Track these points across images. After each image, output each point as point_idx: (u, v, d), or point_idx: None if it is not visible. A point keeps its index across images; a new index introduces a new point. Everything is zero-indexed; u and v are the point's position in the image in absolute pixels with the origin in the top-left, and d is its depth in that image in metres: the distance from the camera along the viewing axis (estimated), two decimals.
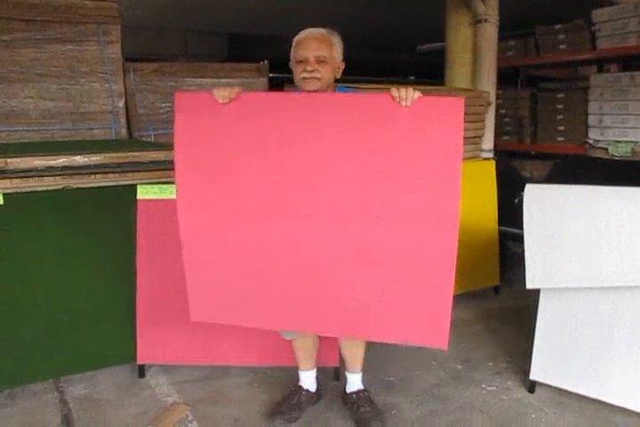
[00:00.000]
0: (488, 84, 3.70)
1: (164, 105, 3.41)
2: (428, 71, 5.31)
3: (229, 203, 1.72)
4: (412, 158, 1.61)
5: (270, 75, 3.79)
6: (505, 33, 4.15)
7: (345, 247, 1.68)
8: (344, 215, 1.66)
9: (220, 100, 1.68)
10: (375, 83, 3.45)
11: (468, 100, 3.25)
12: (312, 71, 1.79)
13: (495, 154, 3.67)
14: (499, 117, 4.26)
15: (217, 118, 1.69)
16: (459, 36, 3.86)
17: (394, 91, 1.60)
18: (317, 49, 1.79)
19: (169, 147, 2.74)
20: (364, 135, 1.63)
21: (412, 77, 6.50)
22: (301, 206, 1.68)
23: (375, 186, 1.63)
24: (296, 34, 1.87)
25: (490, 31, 3.79)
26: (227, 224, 1.74)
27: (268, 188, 1.69)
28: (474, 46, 3.82)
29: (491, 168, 3.20)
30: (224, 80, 3.51)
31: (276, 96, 1.73)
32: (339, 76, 1.88)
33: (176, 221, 2.22)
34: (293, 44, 1.84)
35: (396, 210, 1.63)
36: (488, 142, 3.61)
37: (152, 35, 5.95)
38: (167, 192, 2.31)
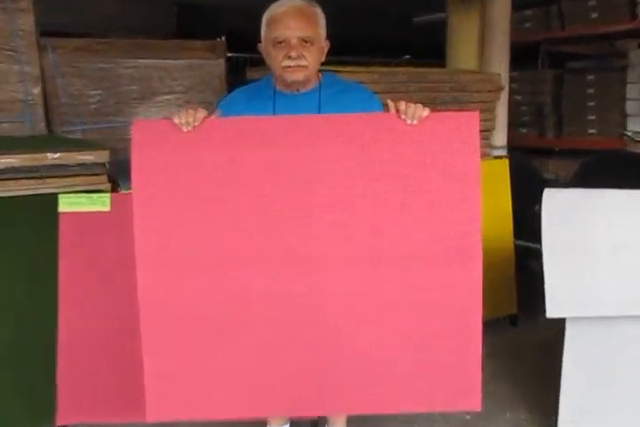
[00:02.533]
0: (500, 65, 3.76)
1: (93, 93, 3.38)
2: (426, 49, 5.37)
3: (201, 256, 1.76)
4: (425, 186, 1.72)
5: (228, 54, 3.80)
6: (521, 0, 4.22)
7: (352, 299, 1.76)
8: (350, 260, 1.74)
9: (184, 128, 1.71)
10: (362, 65, 3.49)
11: (474, 85, 3.37)
12: (297, 58, 1.81)
13: (509, 151, 3.74)
14: (514, 106, 4.31)
15: (181, 151, 1.73)
16: (463, 5, 3.92)
17: (401, 104, 1.70)
18: (301, 28, 1.80)
19: (100, 146, 2.75)
20: (368, 163, 1.72)
21: (408, 56, 6.58)
22: (295, 254, 1.75)
23: (385, 221, 1.74)
24: (262, 3, 1.88)
25: None
26: (199, 284, 1.77)
27: (250, 234, 1.74)
28: (482, 17, 3.89)
29: (504, 169, 3.25)
30: (170, 61, 3.50)
31: (251, 121, 1.75)
32: (323, 60, 1.91)
33: (110, 241, 2.25)
34: (265, 20, 1.85)
35: (411, 247, 1.74)
36: (500, 137, 3.67)
37: (79, 2, 5.91)
38: (98, 203, 2.30)
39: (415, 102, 1.71)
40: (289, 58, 1.81)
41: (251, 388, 1.80)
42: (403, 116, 1.70)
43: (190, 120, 1.70)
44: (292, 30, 1.79)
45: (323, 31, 1.87)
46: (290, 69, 1.83)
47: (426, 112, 1.70)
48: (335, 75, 2.08)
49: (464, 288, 1.75)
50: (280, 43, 1.81)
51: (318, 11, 1.87)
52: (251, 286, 1.76)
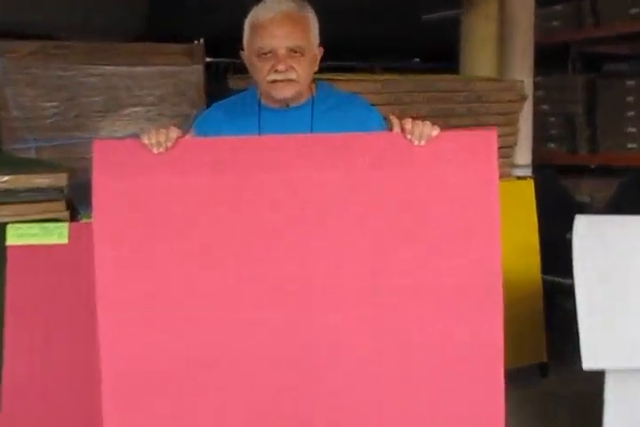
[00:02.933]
0: (522, 70, 3.81)
1: (49, 104, 3.40)
2: (437, 51, 5.43)
3: (175, 297, 1.76)
4: (435, 215, 1.75)
5: (207, 59, 3.84)
6: None
7: (353, 344, 1.76)
8: (350, 300, 1.75)
9: (155, 149, 1.72)
10: (362, 71, 3.53)
11: (492, 94, 3.40)
12: (285, 71, 1.83)
13: (535, 170, 3.78)
14: (540, 117, 4.35)
15: (151, 176, 1.75)
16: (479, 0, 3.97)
17: (407, 122, 1.72)
18: (289, 37, 1.82)
19: (57, 167, 2.75)
20: (369, 189, 1.74)
21: (417, 60, 6.67)
22: (286, 294, 1.75)
23: (389, 254, 1.75)
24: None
25: None
26: (173, 331, 1.77)
27: (232, 271, 1.75)
28: (501, 13, 3.93)
29: (528, 191, 3.27)
30: (139, 68, 3.53)
31: (233, 142, 1.77)
32: (316, 69, 1.94)
33: (67, 278, 2.25)
34: (248, 25, 1.87)
35: (419, 285, 1.75)
36: (524, 154, 3.70)
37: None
38: (54, 234, 2.32)
39: (423, 118, 1.73)
40: (276, 71, 1.83)
41: None
42: (409, 136, 1.72)
43: (162, 140, 1.71)
44: (280, 39, 1.81)
45: (315, 38, 1.90)
46: (277, 85, 1.85)
47: (435, 131, 1.72)
48: (331, 85, 2.10)
49: (482, 333, 1.75)
50: (265, 54, 1.83)
51: (310, 15, 1.89)
52: (236, 333, 1.77)
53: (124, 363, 1.77)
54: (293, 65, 1.83)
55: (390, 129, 1.77)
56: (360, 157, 1.74)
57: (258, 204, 1.75)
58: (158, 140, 1.71)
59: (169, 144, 1.72)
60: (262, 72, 1.85)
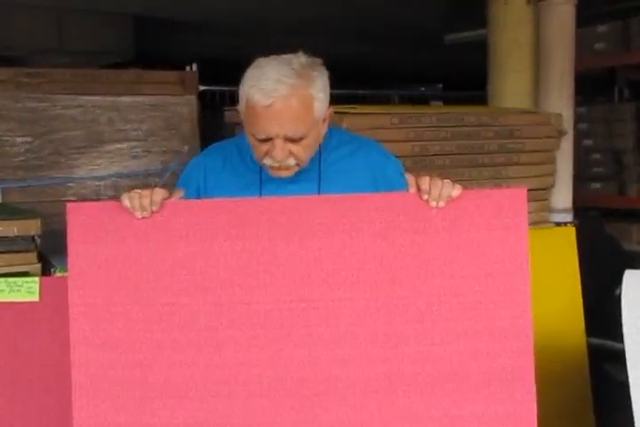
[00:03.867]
0: (560, 100, 3.82)
1: (20, 140, 3.43)
2: (464, 76, 5.47)
3: (160, 378, 1.79)
4: (456, 288, 1.76)
5: (201, 87, 3.86)
6: (589, 12, 4.26)
7: None
8: (360, 390, 1.77)
9: (138, 214, 1.77)
10: (377, 103, 3.56)
11: (526, 129, 3.43)
12: (282, 159, 1.84)
13: (577, 215, 3.77)
14: (582, 154, 4.39)
15: (135, 243, 1.79)
16: (509, 20, 4.00)
17: (424, 181, 1.74)
18: (288, 126, 1.81)
19: (28, 212, 2.75)
20: (380, 259, 1.77)
21: (440, 85, 6.75)
22: (285, 380, 1.77)
23: (405, 334, 1.77)
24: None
25: (564, 11, 3.91)
26: (156, 416, 1.79)
27: (224, 352, 1.78)
28: (536, 37, 3.97)
29: (569, 240, 3.26)
30: (124, 98, 3.57)
31: (228, 205, 1.81)
32: (325, 130, 1.95)
33: (37, 341, 2.26)
34: (243, 97, 1.85)
35: (437, 369, 1.76)
36: (563, 197, 3.69)
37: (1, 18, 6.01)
38: (22, 291, 2.33)
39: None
40: (272, 158, 1.85)
41: None
42: (425, 197, 1.75)
43: (146, 203, 1.75)
44: (277, 130, 1.80)
45: (321, 107, 1.87)
46: (273, 169, 1.89)
47: (457, 191, 1.74)
48: (342, 132, 2.14)
49: (513, 422, 1.76)
50: (260, 140, 1.84)
51: (314, 83, 1.85)
52: (227, 423, 1.78)
53: None
54: (292, 150, 1.84)
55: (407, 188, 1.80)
56: (370, 222, 1.77)
57: (254, 275, 1.78)
58: (142, 203, 1.75)
59: (154, 208, 1.77)
60: (258, 153, 1.87)
